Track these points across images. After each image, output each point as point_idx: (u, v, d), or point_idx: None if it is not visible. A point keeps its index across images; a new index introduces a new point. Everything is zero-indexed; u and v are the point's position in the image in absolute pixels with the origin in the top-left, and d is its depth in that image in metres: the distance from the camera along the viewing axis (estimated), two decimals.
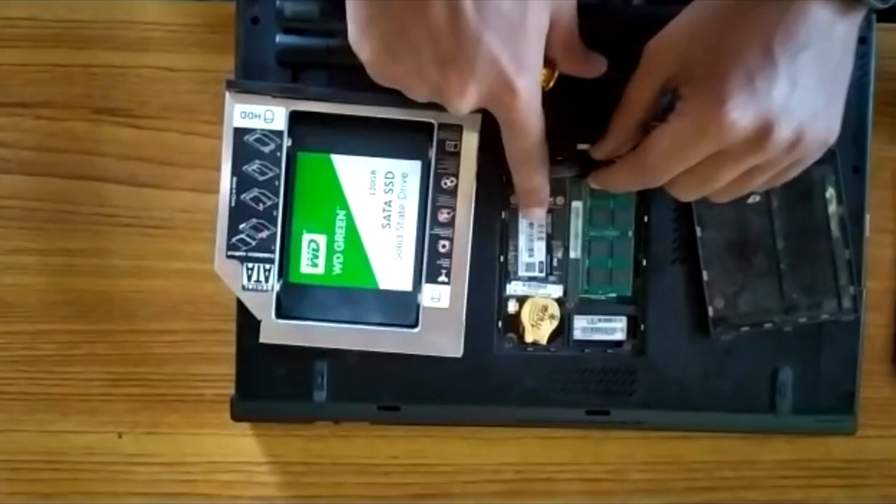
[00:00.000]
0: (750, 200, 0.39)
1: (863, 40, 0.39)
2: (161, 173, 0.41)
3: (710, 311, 0.39)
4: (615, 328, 0.40)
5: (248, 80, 0.38)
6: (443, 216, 0.37)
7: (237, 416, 0.40)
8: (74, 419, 0.42)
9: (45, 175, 0.41)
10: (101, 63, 0.41)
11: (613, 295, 0.40)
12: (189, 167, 0.41)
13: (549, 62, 0.35)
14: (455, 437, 0.42)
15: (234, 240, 0.37)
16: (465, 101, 0.32)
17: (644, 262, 0.40)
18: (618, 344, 0.40)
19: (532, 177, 0.36)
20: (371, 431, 0.42)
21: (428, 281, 0.37)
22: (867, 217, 0.40)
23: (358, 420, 0.40)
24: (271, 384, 0.39)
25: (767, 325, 0.39)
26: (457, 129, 0.37)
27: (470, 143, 0.37)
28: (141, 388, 0.42)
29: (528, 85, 0.32)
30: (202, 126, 0.41)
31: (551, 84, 0.35)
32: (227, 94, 0.36)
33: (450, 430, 0.42)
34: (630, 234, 0.40)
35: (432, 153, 0.37)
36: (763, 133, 0.31)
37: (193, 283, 0.41)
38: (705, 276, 0.39)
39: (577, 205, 0.40)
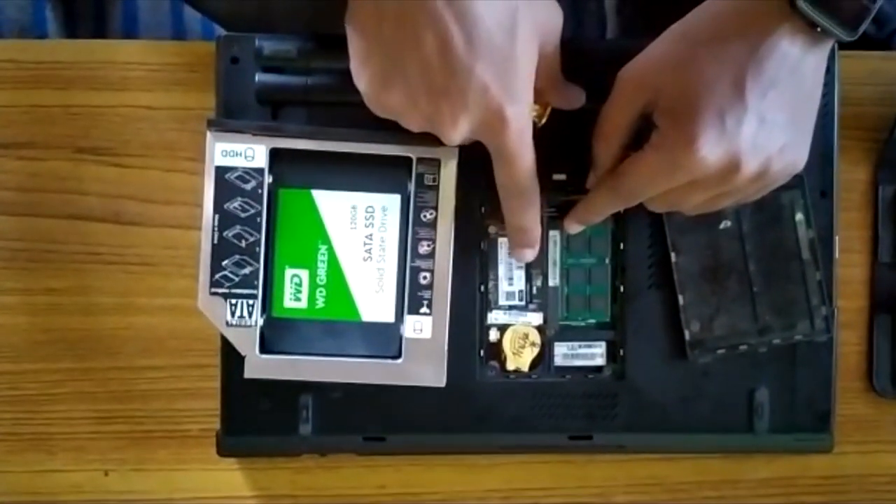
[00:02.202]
0: (721, 226, 0.40)
1: (826, 69, 0.40)
2: (143, 211, 0.42)
3: (687, 335, 0.40)
4: (595, 354, 0.41)
5: (229, 119, 0.38)
6: (423, 248, 0.38)
7: (223, 452, 0.40)
8: (61, 458, 0.42)
9: (27, 215, 0.42)
10: (81, 103, 0.42)
11: (592, 321, 0.41)
12: (171, 204, 0.42)
13: (540, 99, 0.35)
14: (441, 464, 0.42)
15: (217, 277, 0.37)
16: (458, 132, 0.33)
17: (621, 289, 0.40)
18: (598, 369, 0.40)
19: (523, 214, 0.36)
20: (357, 462, 0.42)
21: (410, 312, 0.38)
22: (836, 239, 0.41)
23: (344, 452, 0.41)
24: (256, 419, 0.39)
25: (743, 347, 0.40)
26: (435, 163, 0.37)
27: (448, 177, 0.37)
28: (127, 424, 0.42)
29: (519, 114, 0.33)
30: (183, 163, 0.42)
31: (544, 120, 0.36)
32: (209, 133, 0.37)
33: (436, 458, 0.42)
34: (607, 261, 0.41)
35: (411, 187, 0.37)
36: (731, 168, 0.32)
37: (178, 319, 0.42)
38: (681, 300, 0.40)
39: (554, 233, 0.40)
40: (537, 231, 0.37)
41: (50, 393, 0.42)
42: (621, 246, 0.40)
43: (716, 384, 0.40)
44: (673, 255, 0.40)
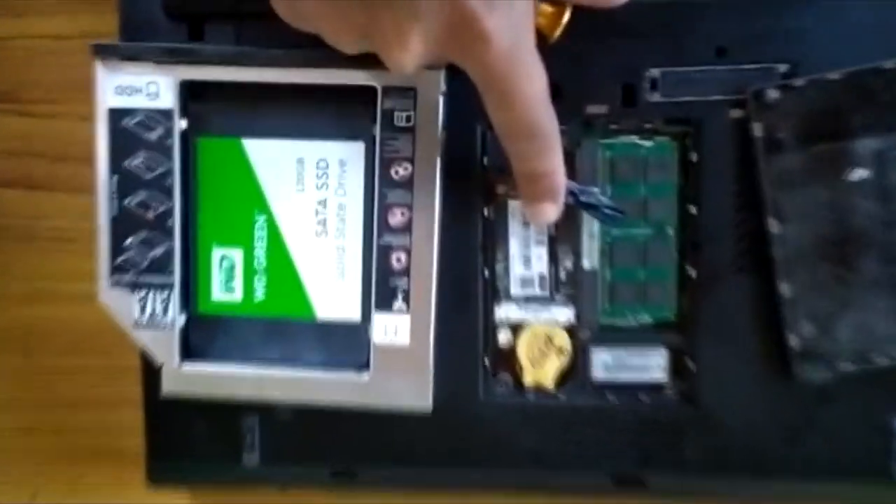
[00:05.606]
0: (852, 176, 0.28)
1: None
2: (56, 172, 0.34)
3: (793, 342, 0.29)
4: (652, 365, 0.31)
5: (124, 43, 0.29)
6: (396, 218, 0.28)
7: (153, 479, 0.32)
8: None
9: None
10: None
11: (648, 319, 0.31)
12: (88, 162, 0.33)
13: None
14: (433, 501, 0.33)
15: (119, 260, 0.29)
16: (409, 53, 0.24)
17: (693, 273, 0.30)
18: (657, 388, 0.31)
19: (536, 159, 0.26)
20: (327, 495, 0.33)
21: (379, 308, 0.28)
22: None
23: (303, 488, 0.32)
24: (190, 442, 0.32)
25: (881, 361, 0.29)
26: (409, 94, 0.28)
27: (429, 114, 0.27)
28: (54, 437, 0.35)
29: (506, 25, 0.23)
30: None
31: (558, 31, 0.26)
32: (96, 63, 0.28)
33: (431, 496, 0.33)
34: (671, 232, 0.30)
35: (376, 130, 0.28)
36: None
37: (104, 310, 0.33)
38: (785, 290, 0.29)
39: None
40: (560, 174, 0.26)
41: None
42: (693, 210, 0.29)
43: (835, 414, 0.30)
44: (774, 222, 0.28)
